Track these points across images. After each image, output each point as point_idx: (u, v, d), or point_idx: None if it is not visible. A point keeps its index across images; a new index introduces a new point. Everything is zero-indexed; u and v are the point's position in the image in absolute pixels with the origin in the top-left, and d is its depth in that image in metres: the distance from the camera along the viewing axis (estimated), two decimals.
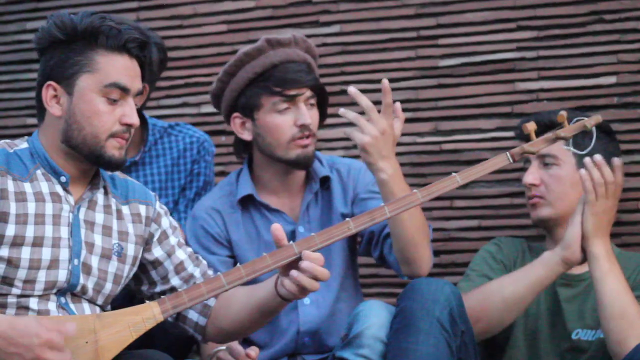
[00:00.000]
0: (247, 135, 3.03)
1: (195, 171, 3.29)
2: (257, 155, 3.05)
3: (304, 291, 2.37)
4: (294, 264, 2.37)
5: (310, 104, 2.99)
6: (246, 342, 2.96)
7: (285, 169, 3.01)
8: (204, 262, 2.64)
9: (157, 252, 2.58)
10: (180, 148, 3.29)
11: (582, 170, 2.77)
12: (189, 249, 2.64)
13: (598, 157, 2.77)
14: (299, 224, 3.01)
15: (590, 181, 2.75)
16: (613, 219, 2.84)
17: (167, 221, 2.62)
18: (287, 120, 2.96)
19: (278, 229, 2.38)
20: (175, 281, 2.58)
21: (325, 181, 3.04)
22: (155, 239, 2.59)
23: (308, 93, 2.98)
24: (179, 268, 2.59)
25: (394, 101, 2.79)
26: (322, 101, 3.05)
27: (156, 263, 2.58)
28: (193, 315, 2.57)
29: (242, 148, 3.11)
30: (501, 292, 2.82)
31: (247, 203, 3.03)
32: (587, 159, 2.76)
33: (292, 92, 2.95)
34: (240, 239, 3.01)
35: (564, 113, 2.63)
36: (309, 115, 2.96)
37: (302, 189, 3.05)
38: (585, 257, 2.80)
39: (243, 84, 2.99)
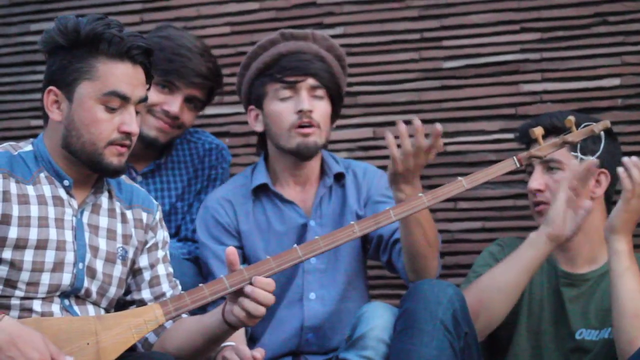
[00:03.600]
0: (259, 127, 3.04)
1: (212, 177, 3.31)
2: (270, 148, 3.06)
3: (250, 317, 2.35)
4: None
5: (316, 95, 2.97)
6: (250, 340, 2.96)
7: (295, 161, 3.00)
8: (179, 287, 2.62)
9: (143, 260, 2.57)
10: (200, 154, 3.31)
11: (620, 169, 2.75)
12: (170, 269, 2.63)
13: (635, 158, 2.76)
14: (310, 218, 3.01)
15: (628, 179, 2.73)
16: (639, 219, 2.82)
17: (162, 234, 2.62)
18: (288, 108, 2.95)
19: (232, 253, 2.37)
20: (146, 294, 2.56)
21: (339, 178, 3.04)
22: (146, 247, 2.58)
23: (311, 82, 2.96)
24: (154, 282, 2.57)
25: (409, 123, 2.66)
26: (335, 97, 3.01)
27: (137, 271, 2.57)
28: None
29: (261, 143, 3.12)
30: (495, 282, 2.81)
31: (260, 193, 3.04)
32: (625, 159, 2.74)
33: (292, 79, 2.95)
34: (249, 229, 3.00)
35: (572, 118, 2.62)
36: (312, 104, 2.94)
37: (315, 183, 3.05)
38: (574, 232, 2.79)
39: (254, 75, 3.01)
